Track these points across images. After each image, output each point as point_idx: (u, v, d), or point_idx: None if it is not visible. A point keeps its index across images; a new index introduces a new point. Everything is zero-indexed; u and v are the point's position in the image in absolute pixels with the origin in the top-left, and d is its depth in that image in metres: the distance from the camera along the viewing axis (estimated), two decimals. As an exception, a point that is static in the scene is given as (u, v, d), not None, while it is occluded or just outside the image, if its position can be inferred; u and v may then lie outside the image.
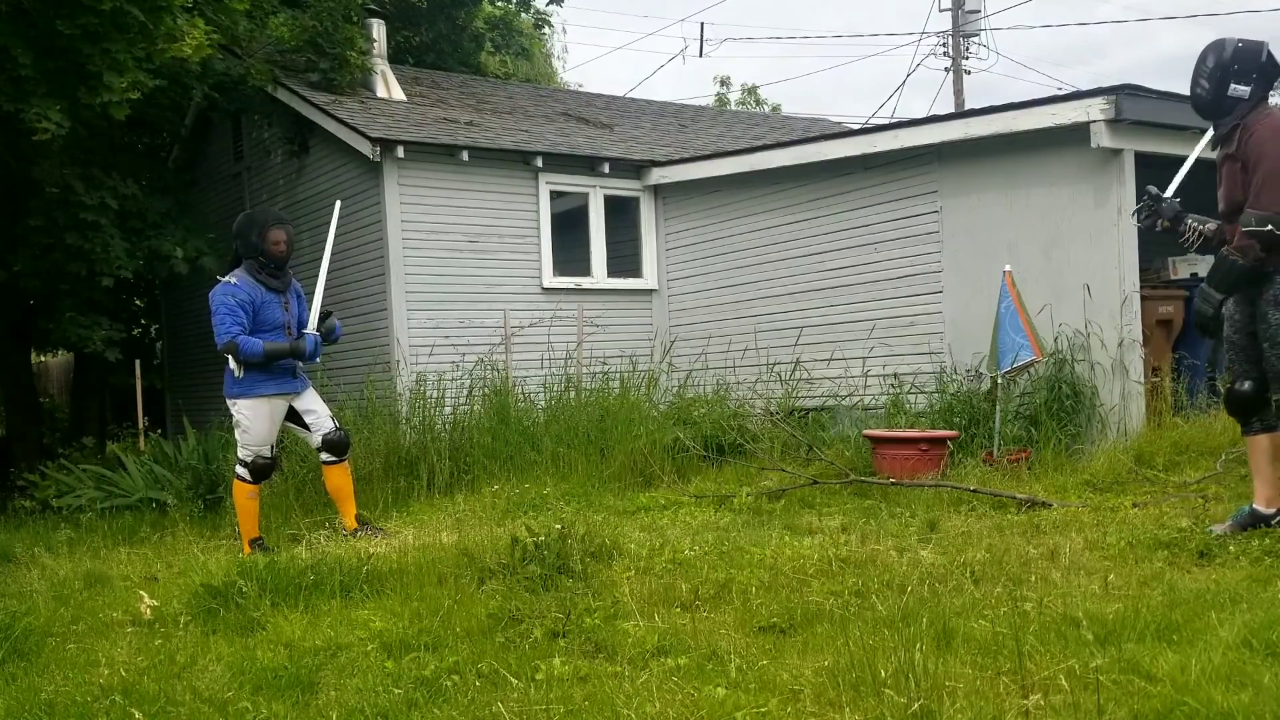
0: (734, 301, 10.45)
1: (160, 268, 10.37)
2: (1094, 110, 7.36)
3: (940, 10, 23.50)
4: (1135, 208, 5.16)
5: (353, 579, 4.44)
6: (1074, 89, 7.93)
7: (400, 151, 9.67)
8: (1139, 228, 5.46)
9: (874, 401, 8.66)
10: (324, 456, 6.20)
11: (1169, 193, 5.05)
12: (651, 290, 11.33)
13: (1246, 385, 4.64)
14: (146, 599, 4.31)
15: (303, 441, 7.85)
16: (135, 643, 3.88)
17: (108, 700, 3.18)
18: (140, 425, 10.44)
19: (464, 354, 9.44)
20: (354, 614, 4.04)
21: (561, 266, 10.77)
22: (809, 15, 74.01)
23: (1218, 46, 4.65)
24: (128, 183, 10.10)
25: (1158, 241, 8.95)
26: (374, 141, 9.59)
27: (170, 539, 6.70)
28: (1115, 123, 7.38)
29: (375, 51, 11.77)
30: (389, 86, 11.76)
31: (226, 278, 6.03)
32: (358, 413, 8.39)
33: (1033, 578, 4.01)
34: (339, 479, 6.19)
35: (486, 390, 8.73)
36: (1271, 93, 4.63)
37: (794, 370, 9.22)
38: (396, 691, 3.14)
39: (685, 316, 11.04)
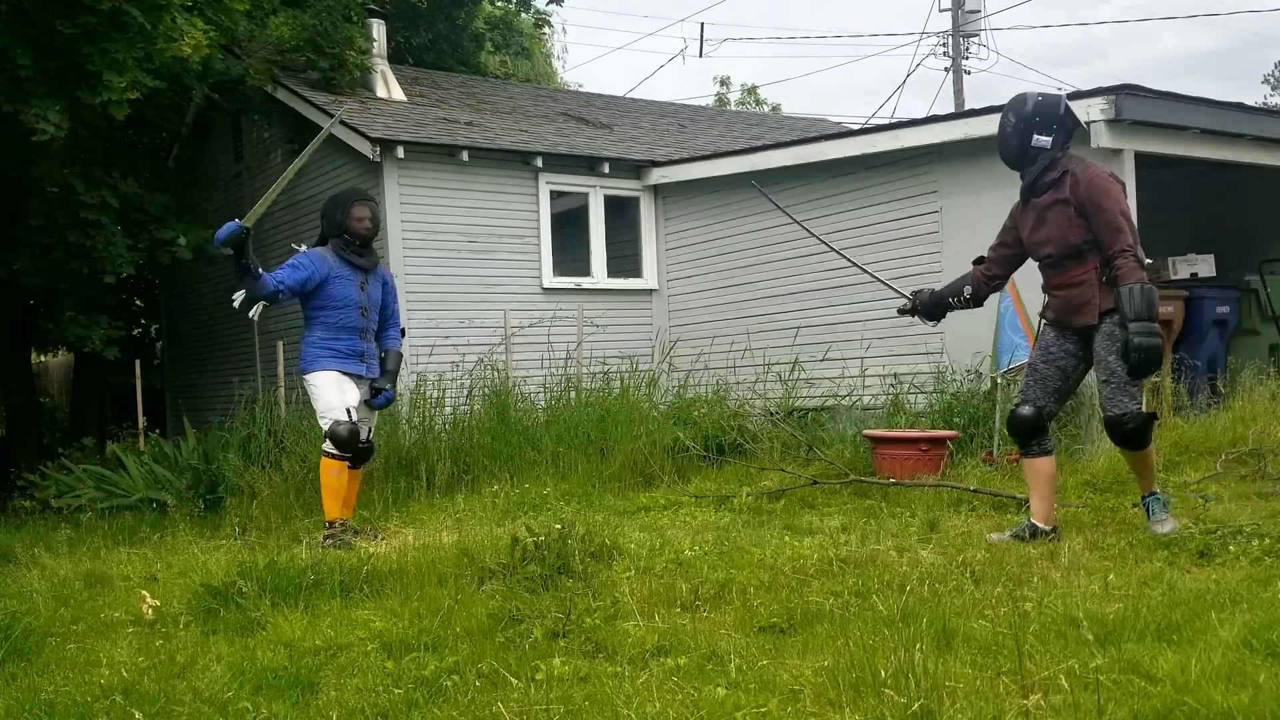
0: (734, 301, 10.45)
1: (163, 255, 10.37)
2: (1094, 110, 7.36)
3: (940, 10, 23.56)
4: (905, 312, 5.50)
5: (353, 579, 4.44)
6: (1074, 89, 7.93)
7: (400, 151, 9.68)
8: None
9: (873, 401, 8.65)
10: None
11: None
12: (651, 290, 11.33)
13: (1028, 410, 4.86)
14: (148, 599, 4.31)
15: (302, 442, 7.87)
16: (135, 643, 3.87)
17: (108, 700, 3.17)
18: (140, 425, 10.43)
19: (464, 354, 9.44)
20: (354, 614, 4.04)
21: (561, 266, 10.77)
22: (809, 15, 74.05)
23: (1020, 101, 4.92)
24: (128, 180, 10.11)
25: (1158, 242, 8.96)
26: (374, 141, 9.60)
27: (170, 539, 6.69)
28: (1115, 123, 7.39)
29: (375, 51, 11.77)
30: (389, 86, 11.77)
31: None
32: (358, 413, 8.39)
33: (1033, 578, 4.01)
34: (349, 481, 6.11)
35: (486, 390, 8.73)
36: (1069, 143, 4.88)
37: (793, 370, 9.22)
38: (396, 691, 3.14)
39: (685, 316, 11.04)
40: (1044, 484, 4.88)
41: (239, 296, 5.72)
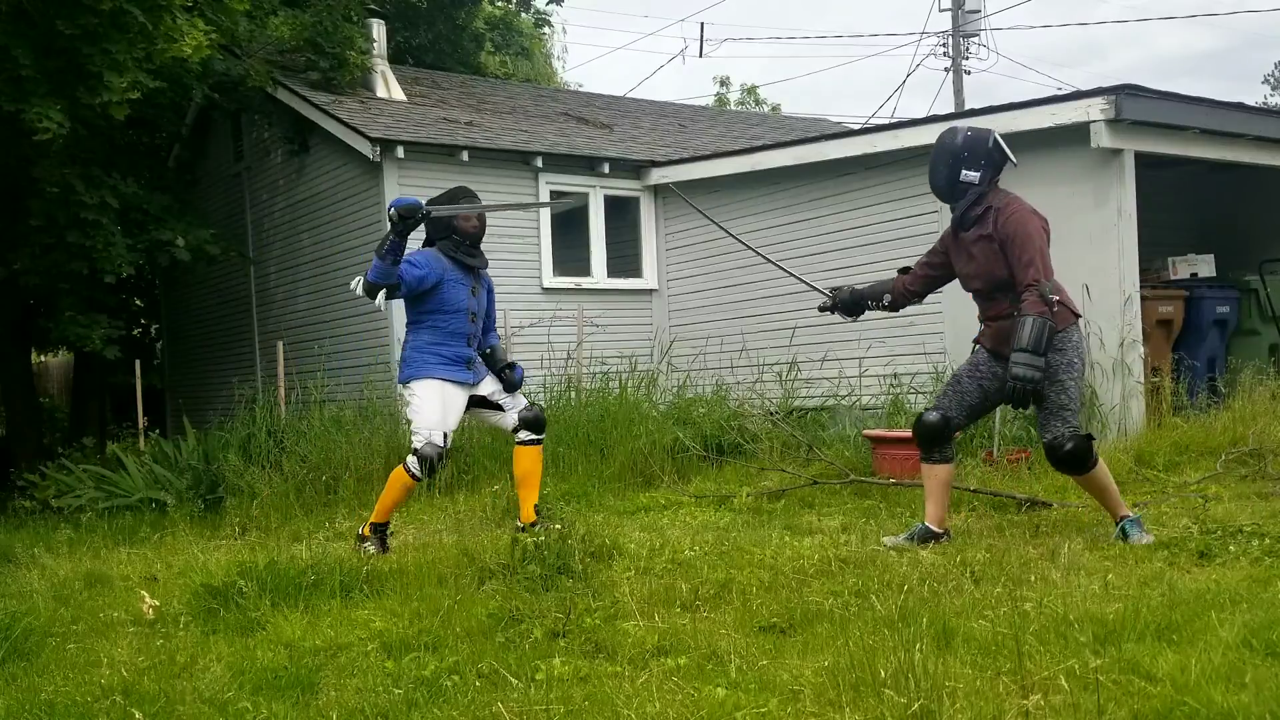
0: (734, 301, 10.45)
1: (161, 255, 10.37)
2: (1094, 110, 7.37)
3: (940, 10, 23.54)
4: (825, 309, 5.62)
5: (353, 579, 4.44)
6: (1074, 89, 7.93)
7: (400, 151, 9.67)
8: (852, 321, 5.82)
9: (873, 401, 8.66)
10: (522, 436, 5.78)
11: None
12: (651, 290, 11.33)
13: (934, 416, 4.96)
14: (149, 599, 4.31)
15: (302, 442, 7.88)
16: (135, 643, 3.87)
17: (108, 700, 3.17)
18: (140, 425, 10.43)
19: (464, 354, 9.42)
20: (354, 614, 4.04)
21: (561, 266, 10.77)
22: (809, 15, 74.08)
23: (949, 134, 5.00)
24: (128, 181, 10.11)
25: (1158, 242, 8.97)
26: (374, 141, 9.59)
27: (170, 539, 6.69)
28: (1115, 123, 7.39)
29: (375, 51, 11.77)
30: (389, 86, 11.76)
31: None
32: (358, 412, 8.39)
33: (1033, 578, 4.01)
34: (532, 463, 5.80)
35: (486, 390, 8.71)
36: (998, 177, 4.93)
37: (792, 370, 9.21)
38: (396, 691, 3.14)
39: (685, 316, 11.03)
40: (940, 490, 4.99)
41: (358, 282, 5.50)
